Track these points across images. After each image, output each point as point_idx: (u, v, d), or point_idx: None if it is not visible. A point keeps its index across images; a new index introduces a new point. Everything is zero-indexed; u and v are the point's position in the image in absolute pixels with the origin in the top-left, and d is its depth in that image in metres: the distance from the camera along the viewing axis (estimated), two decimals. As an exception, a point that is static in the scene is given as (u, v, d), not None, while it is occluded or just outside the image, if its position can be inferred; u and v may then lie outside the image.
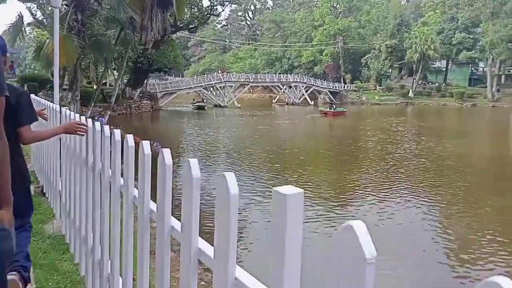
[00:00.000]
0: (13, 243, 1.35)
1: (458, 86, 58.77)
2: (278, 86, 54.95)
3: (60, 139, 3.55)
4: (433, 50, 55.01)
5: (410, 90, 59.96)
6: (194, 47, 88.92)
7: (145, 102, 37.04)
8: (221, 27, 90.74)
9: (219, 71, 58.23)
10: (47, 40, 15.73)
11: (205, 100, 44.00)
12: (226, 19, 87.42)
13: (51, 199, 4.52)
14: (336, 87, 60.08)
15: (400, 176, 13.49)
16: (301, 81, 55.74)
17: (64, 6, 13.51)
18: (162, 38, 16.34)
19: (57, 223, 3.71)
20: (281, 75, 57.45)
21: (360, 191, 11.78)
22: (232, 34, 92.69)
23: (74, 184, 3.05)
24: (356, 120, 34.10)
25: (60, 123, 3.54)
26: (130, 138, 1.80)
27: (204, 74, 52.75)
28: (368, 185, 12.42)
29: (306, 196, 0.88)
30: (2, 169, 1.38)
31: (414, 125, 30.57)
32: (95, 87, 27.10)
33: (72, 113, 3.40)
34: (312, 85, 56.81)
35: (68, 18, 12.08)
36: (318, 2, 74.59)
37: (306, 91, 55.42)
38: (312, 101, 55.04)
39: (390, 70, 64.28)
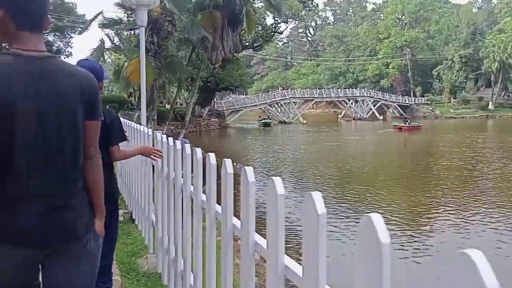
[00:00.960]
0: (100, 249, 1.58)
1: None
2: (344, 101, 53.55)
3: (153, 165, 3.40)
4: (514, 58, 50.41)
5: (490, 102, 55.25)
6: (257, 65, 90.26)
7: (213, 119, 37.79)
8: (283, 44, 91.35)
9: (279, 88, 58.18)
10: (125, 64, 16.52)
11: (270, 117, 43.96)
12: (287, 36, 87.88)
13: (142, 228, 4.15)
14: (405, 100, 57.17)
15: (495, 202, 11.86)
16: (368, 95, 53.80)
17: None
18: (228, 57, 16.45)
19: (151, 258, 3.34)
20: (347, 89, 55.93)
21: (449, 216, 10.51)
22: (293, 51, 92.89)
23: (168, 213, 2.85)
24: (433, 135, 31.80)
25: (153, 144, 3.47)
26: (228, 163, 1.76)
27: (267, 91, 53.02)
28: (456, 210, 11.08)
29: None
30: (98, 183, 1.56)
31: (502, 140, 27.64)
32: (167, 106, 28.21)
33: (159, 134, 3.30)
34: (380, 99, 54.60)
35: (145, 41, 12.49)
36: (382, 15, 72.39)
37: (373, 106, 53.33)
38: (381, 116, 52.76)
39: (465, 81, 59.84)
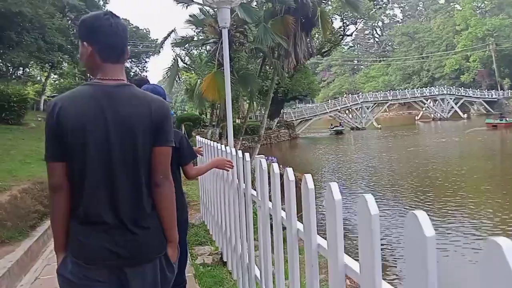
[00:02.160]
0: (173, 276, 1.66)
1: None
2: (421, 101, 49.88)
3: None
4: None
5: None
6: (322, 72, 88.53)
7: (282, 131, 37.17)
8: (348, 48, 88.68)
9: (344, 94, 55.73)
10: (198, 81, 16.47)
11: (342, 124, 42.18)
12: (352, 40, 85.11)
13: (235, 273, 3.36)
14: (492, 95, 51.87)
15: None
16: (449, 92, 49.59)
17: (212, 44, 13.86)
18: (303, 63, 15.57)
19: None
20: (423, 88, 52.10)
21: None
22: (360, 54, 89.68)
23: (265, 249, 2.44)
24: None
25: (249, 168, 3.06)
26: (290, 171, 1.85)
27: (335, 98, 51.19)
28: None
29: None
30: (170, 209, 1.58)
31: None
32: (237, 121, 28.13)
33: (233, 149, 3.25)
34: (463, 95, 50.10)
35: (218, 55, 12.16)
36: (458, 5, 67.00)
37: (455, 104, 49.00)
38: (465, 114, 48.29)
39: None
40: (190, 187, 8.24)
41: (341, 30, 34.03)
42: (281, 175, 2.00)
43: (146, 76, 43.60)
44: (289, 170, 1.86)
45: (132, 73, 43.49)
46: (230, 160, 2.89)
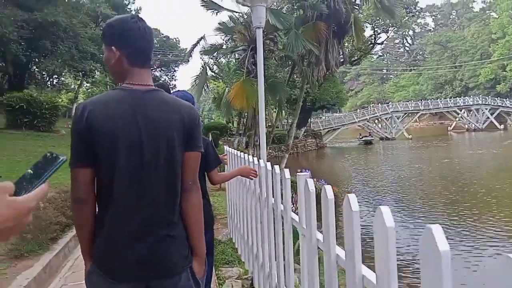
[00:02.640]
0: None
1: None
2: (454, 111, 48.10)
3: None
4: None
5: None
6: (351, 81, 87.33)
7: (310, 140, 36.59)
8: (377, 57, 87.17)
9: (371, 104, 54.28)
10: (226, 89, 16.28)
11: (371, 134, 41.11)
12: (382, 49, 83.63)
13: None
14: (532, 105, 49.48)
15: None
16: (484, 102, 47.62)
17: (241, 52, 13.64)
18: (334, 71, 15.10)
19: None
20: (458, 98, 50.27)
21: None
22: (389, 63, 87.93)
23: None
24: None
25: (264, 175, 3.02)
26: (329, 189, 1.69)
27: (363, 108, 50.07)
28: None
29: None
30: (198, 217, 1.51)
31: None
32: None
33: (259, 161, 3.20)
34: (499, 105, 47.96)
35: (247, 62, 11.90)
36: (494, 13, 64.70)
37: (491, 114, 46.97)
38: (502, 125, 46.18)
39: None
40: (217, 198, 7.92)
41: (372, 38, 33.31)
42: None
43: (175, 85, 44.17)
44: (310, 181, 1.85)
45: (161, 81, 44.11)
46: (254, 169, 2.89)
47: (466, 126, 48.11)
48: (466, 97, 51.29)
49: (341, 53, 14.33)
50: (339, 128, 41.75)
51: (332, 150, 37.45)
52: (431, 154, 28.05)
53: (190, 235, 1.50)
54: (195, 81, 14.64)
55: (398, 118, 44.12)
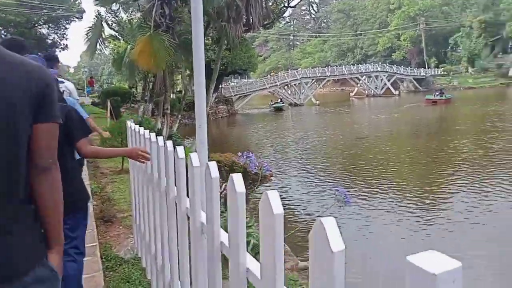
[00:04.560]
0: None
1: None
2: (356, 77, 50.55)
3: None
4: (539, 19, 47.09)
5: (510, 69, 52.20)
6: (259, 47, 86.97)
7: (221, 107, 35.32)
8: (285, 23, 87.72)
9: (272, 72, 54.32)
10: (128, 48, 13.87)
11: (282, 100, 41.13)
12: (289, 15, 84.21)
13: None
14: (421, 72, 54.21)
15: None
16: (383, 69, 50.79)
17: (145, 1, 11.38)
18: (257, 29, 13.62)
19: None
20: (360, 65, 52.86)
21: None
22: (296, 30, 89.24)
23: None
24: (470, 107, 28.80)
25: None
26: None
27: (271, 74, 49.93)
28: None
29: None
30: (57, 202, 1.27)
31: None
32: (172, 96, 25.60)
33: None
34: (395, 73, 51.62)
35: (154, 13, 9.82)
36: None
37: (388, 80, 50.38)
38: (397, 91, 49.92)
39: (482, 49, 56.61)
40: (117, 185, 6.16)
41: (285, 1, 32.37)
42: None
43: (66, 45, 38.65)
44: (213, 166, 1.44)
45: (49, 41, 38.31)
46: (145, 150, 2.46)
47: (366, 92, 51.05)
48: (367, 64, 54.20)
49: (265, 7, 12.89)
50: (250, 94, 40.98)
51: (244, 117, 36.70)
52: (340, 119, 28.78)
53: (47, 225, 1.24)
54: (87, 34, 12.01)
55: (306, 84, 44.83)
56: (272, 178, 6.90)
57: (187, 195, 1.79)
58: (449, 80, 52.76)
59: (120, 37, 22.76)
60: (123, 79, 24.57)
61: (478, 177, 10.93)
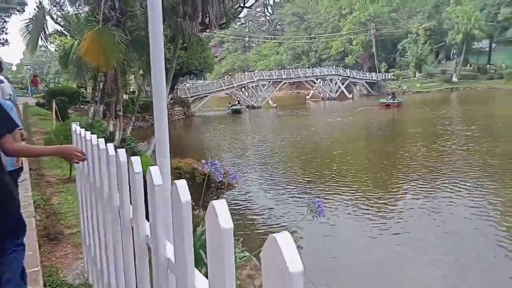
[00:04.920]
0: None
1: (505, 67, 53.51)
2: (312, 80, 51.25)
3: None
4: (478, 29, 50.13)
5: (454, 75, 55.28)
6: (214, 48, 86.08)
7: (177, 109, 34.28)
8: (240, 25, 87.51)
9: (227, 75, 53.92)
10: (75, 43, 12.76)
11: (240, 103, 40.67)
12: (244, 16, 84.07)
13: None
14: (373, 77, 56.05)
15: None
16: (337, 73, 51.90)
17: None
18: (214, 26, 12.88)
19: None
20: (315, 68, 53.66)
21: None
22: (251, 31, 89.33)
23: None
24: (420, 111, 29.93)
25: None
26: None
27: (227, 75, 49.36)
28: None
29: None
30: None
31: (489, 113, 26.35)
32: (125, 96, 24.28)
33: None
34: (349, 76, 52.89)
35: (103, 5, 8.92)
36: (343, -11, 70.34)
37: (342, 84, 51.54)
38: (350, 94, 51.18)
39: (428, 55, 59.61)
40: (64, 196, 5.38)
41: (241, 1, 32.03)
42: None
43: (6, 40, 35.75)
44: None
45: None
46: (81, 150, 2.30)
47: (321, 95, 51.90)
48: (322, 67, 55.18)
49: (222, 5, 12.35)
50: (207, 96, 40.20)
51: (201, 119, 35.91)
52: (298, 122, 28.82)
53: None
54: (26, 26, 10.78)
55: (263, 87, 44.74)
56: (235, 185, 6.40)
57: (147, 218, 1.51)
58: (398, 84, 54.89)
59: (66, 33, 21.20)
60: (71, 78, 22.95)
61: (432, 178, 11.11)
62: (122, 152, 1.79)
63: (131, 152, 9.56)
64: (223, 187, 6.11)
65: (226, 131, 26.34)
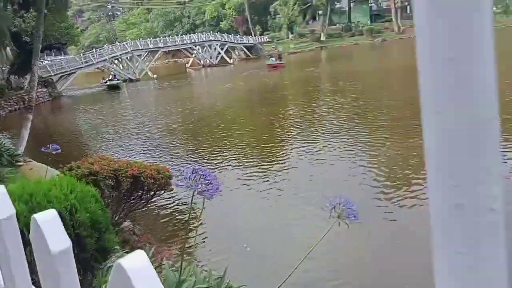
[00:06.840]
0: None
1: (361, 24, 59.07)
2: (190, 47, 49.00)
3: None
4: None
5: (322, 34, 58.77)
6: (73, 18, 76.14)
7: (40, 90, 29.14)
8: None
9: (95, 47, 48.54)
10: None
11: (117, 77, 36.63)
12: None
13: None
14: (249, 40, 56.22)
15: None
16: (215, 38, 50.52)
17: None
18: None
19: None
20: (193, 35, 51.30)
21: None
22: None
23: None
24: (304, 70, 30.77)
25: None
26: None
27: (92, 48, 43.87)
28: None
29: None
30: None
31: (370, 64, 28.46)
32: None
33: None
34: (227, 41, 51.98)
35: None
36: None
37: (221, 49, 50.51)
38: (231, 59, 50.60)
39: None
40: None
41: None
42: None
43: None
44: None
45: None
46: None
47: (202, 62, 50.20)
48: (201, 34, 53.11)
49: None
50: (74, 73, 35.21)
51: (71, 99, 31.51)
52: (185, 93, 27.16)
53: None
54: None
55: (139, 57, 41.14)
56: (172, 185, 4.98)
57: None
58: (274, 46, 56.17)
59: None
60: None
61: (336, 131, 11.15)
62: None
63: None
64: (155, 188, 4.69)
65: (106, 111, 23.31)
